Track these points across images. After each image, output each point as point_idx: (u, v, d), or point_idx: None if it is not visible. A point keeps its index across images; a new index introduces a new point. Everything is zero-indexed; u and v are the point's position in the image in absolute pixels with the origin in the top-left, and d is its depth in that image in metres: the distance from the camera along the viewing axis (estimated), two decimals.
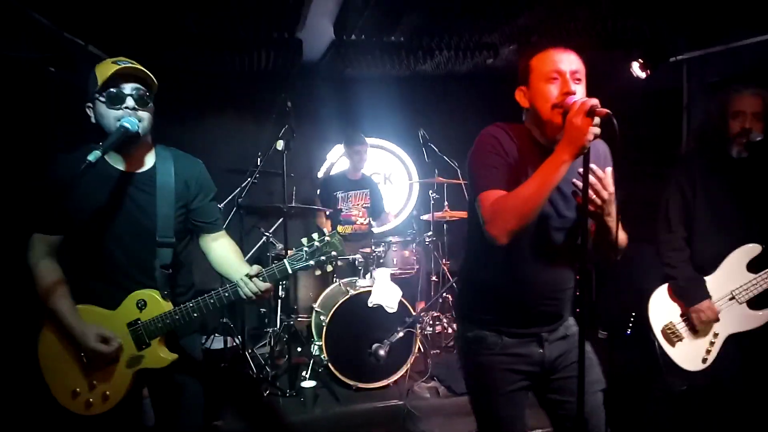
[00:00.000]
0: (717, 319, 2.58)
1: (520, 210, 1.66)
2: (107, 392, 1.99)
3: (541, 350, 1.94)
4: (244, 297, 1.98)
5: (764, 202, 2.50)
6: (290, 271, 2.00)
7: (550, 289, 1.91)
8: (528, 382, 1.97)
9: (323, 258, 2.00)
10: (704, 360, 2.60)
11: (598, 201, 1.69)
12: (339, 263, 4.33)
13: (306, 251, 2.00)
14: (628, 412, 3.37)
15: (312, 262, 2.00)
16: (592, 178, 1.66)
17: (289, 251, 4.07)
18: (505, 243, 1.68)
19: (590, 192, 1.66)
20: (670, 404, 2.94)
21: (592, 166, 1.67)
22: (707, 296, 2.57)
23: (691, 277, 2.61)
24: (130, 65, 1.90)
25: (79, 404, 2.00)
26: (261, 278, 1.97)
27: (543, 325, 1.95)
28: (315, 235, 2.02)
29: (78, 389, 2.00)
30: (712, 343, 2.60)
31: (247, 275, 1.97)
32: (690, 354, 2.62)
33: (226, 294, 1.99)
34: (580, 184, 1.66)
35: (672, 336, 2.63)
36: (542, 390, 1.99)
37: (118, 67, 1.87)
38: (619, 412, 3.45)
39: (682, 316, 2.66)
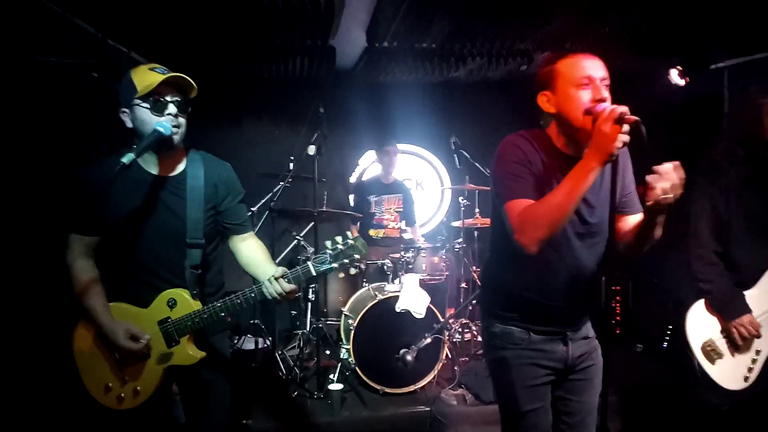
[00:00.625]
0: (759, 335, 2.48)
1: (549, 218, 1.67)
2: (138, 388, 2.06)
3: (565, 347, 1.98)
4: (269, 297, 2.02)
5: None
6: (314, 273, 2.02)
7: (574, 292, 1.93)
8: (552, 377, 2.01)
9: (346, 261, 2.01)
10: (746, 378, 2.49)
11: (671, 200, 1.66)
12: (368, 268, 4.36)
13: (330, 254, 2.02)
14: (661, 426, 3.29)
15: (335, 265, 2.01)
16: (674, 177, 1.63)
17: None
18: (535, 252, 1.70)
19: (668, 191, 1.63)
20: (704, 420, 2.85)
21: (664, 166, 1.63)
22: (748, 310, 2.47)
23: (728, 291, 2.51)
24: (175, 74, 1.96)
25: (112, 399, 2.07)
26: (286, 280, 2.01)
27: (568, 324, 1.98)
28: (339, 238, 2.03)
29: (110, 384, 2.07)
30: (754, 361, 2.49)
31: (272, 276, 2.01)
32: (731, 372, 2.50)
33: (252, 294, 2.03)
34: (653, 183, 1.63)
35: (712, 353, 2.52)
36: (556, 385, 2.04)
37: (164, 76, 1.93)
38: (653, 425, 3.39)
39: (722, 332, 2.53)
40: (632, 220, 1.99)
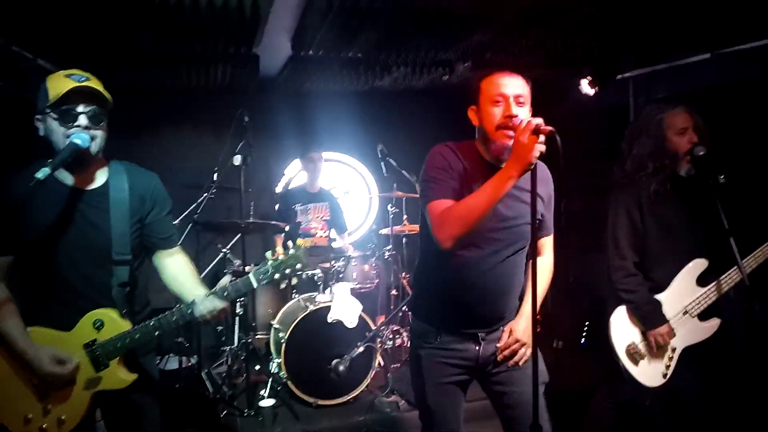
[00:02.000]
0: (673, 335, 2.63)
1: (465, 218, 1.82)
2: (63, 417, 1.92)
3: (477, 348, 2.10)
4: (198, 317, 1.95)
5: (712, 218, 2.53)
6: (255, 285, 1.98)
7: (489, 293, 2.06)
8: (464, 377, 2.14)
9: (288, 271, 1.99)
10: (664, 375, 2.64)
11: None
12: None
13: (271, 265, 1.98)
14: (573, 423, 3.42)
15: (277, 276, 1.99)
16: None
17: (247, 267, 4.03)
18: (449, 247, 1.85)
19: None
20: (615, 414, 3.00)
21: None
22: (665, 320, 2.61)
23: (647, 301, 2.64)
24: (85, 84, 1.85)
25: (33, 431, 1.91)
26: (225, 293, 1.96)
27: (482, 325, 2.10)
28: (279, 249, 2.01)
29: (30, 415, 1.91)
30: (670, 358, 2.64)
31: (206, 294, 1.94)
32: (651, 371, 2.65)
33: (189, 311, 1.96)
34: None
35: (635, 355, 2.65)
36: (486, 382, 2.18)
37: (73, 84, 1.82)
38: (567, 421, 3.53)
39: (642, 334, 2.68)
40: (543, 241, 2.23)
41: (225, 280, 2.02)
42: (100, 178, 2.01)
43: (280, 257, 1.99)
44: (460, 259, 1.99)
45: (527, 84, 1.96)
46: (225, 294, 1.97)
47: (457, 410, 2.16)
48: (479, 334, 2.09)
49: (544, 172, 2.12)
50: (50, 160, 1.78)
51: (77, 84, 1.83)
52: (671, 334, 2.63)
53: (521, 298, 2.18)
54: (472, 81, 2.02)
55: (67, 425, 1.92)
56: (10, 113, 3.19)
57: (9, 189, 1.88)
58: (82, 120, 1.85)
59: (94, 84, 1.89)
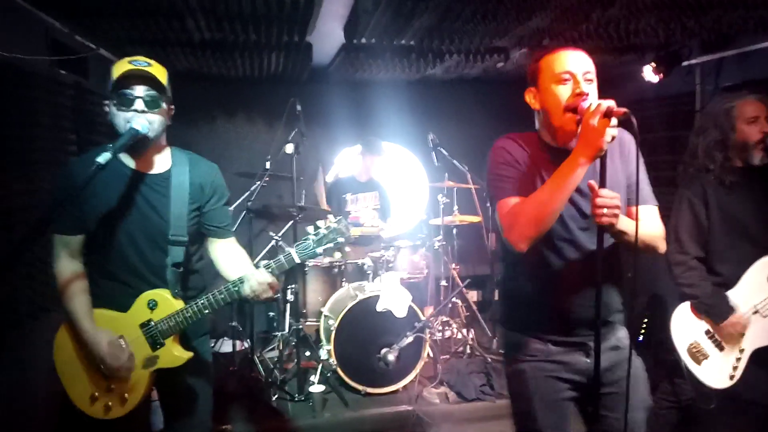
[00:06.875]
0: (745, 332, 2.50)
1: (537, 215, 1.65)
2: (126, 395, 1.99)
3: (587, 360, 1.85)
4: (250, 292, 1.93)
5: None
6: (297, 260, 1.97)
7: (583, 292, 1.81)
8: (574, 393, 1.90)
9: (330, 245, 1.97)
10: (731, 377, 2.52)
11: (610, 220, 1.64)
12: (347, 267, 4.32)
13: (313, 239, 1.97)
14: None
15: (320, 250, 1.96)
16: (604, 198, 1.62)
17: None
18: (524, 249, 1.67)
19: (602, 210, 1.62)
20: (677, 414, 2.88)
21: (591, 182, 1.64)
22: (733, 310, 2.49)
23: (712, 294, 2.53)
24: (140, 67, 1.89)
25: (99, 409, 1.99)
26: (269, 270, 1.95)
27: (585, 332, 1.84)
28: (320, 223, 1.99)
29: (96, 393, 1.99)
30: (738, 359, 2.52)
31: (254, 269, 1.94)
32: (717, 371, 2.53)
33: (236, 288, 1.97)
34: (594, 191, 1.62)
35: (698, 354, 2.54)
36: (586, 402, 1.91)
37: (128, 68, 1.87)
38: None
39: (707, 333, 2.56)
40: (640, 211, 1.89)
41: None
42: (163, 163, 2.06)
43: (322, 231, 1.96)
44: (546, 258, 1.80)
45: (592, 61, 1.79)
46: (269, 270, 1.96)
47: (566, 431, 1.90)
48: (588, 344, 1.84)
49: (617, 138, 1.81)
50: (111, 145, 1.83)
51: (133, 68, 1.87)
52: (743, 324, 2.48)
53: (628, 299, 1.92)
54: (530, 61, 1.86)
55: (129, 403, 1.99)
56: (72, 101, 3.30)
57: (74, 173, 1.94)
58: (139, 104, 1.89)
59: (154, 70, 1.92)
